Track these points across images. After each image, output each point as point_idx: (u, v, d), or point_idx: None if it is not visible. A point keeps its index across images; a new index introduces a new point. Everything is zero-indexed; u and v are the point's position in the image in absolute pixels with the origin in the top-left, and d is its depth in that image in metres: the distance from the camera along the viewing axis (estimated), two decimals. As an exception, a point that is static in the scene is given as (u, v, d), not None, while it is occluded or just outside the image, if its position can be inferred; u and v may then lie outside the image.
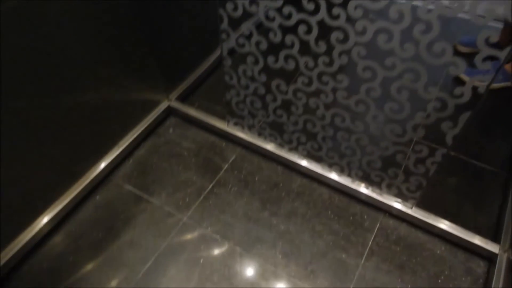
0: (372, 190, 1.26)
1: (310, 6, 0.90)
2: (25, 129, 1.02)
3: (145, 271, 1.13)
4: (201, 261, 1.16)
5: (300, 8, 0.92)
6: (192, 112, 1.50)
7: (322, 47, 0.96)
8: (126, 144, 1.39)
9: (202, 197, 1.30)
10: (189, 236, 1.21)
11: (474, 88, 0.85)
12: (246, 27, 1.06)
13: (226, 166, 1.39)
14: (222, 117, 1.45)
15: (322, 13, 0.90)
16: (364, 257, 1.17)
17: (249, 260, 1.16)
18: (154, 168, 1.39)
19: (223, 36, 1.11)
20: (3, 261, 1.09)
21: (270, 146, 1.38)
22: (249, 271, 1.15)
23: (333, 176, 1.30)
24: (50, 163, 1.15)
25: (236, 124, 1.41)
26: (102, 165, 1.32)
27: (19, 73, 0.93)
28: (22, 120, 1.00)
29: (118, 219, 1.25)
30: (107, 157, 1.34)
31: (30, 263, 1.15)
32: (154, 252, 1.17)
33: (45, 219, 1.18)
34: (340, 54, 0.95)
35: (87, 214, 1.26)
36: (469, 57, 0.82)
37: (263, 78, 1.15)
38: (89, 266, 1.14)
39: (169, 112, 1.55)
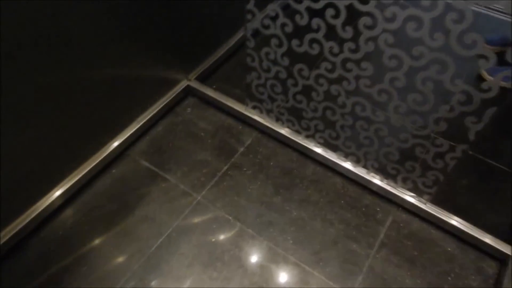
0: (387, 183, 1.25)
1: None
2: (43, 101, 1.03)
3: (157, 246, 1.15)
4: (213, 240, 1.17)
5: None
6: (211, 93, 1.50)
7: (349, 32, 0.95)
8: (144, 120, 1.40)
9: (216, 178, 1.31)
10: (202, 215, 1.22)
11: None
12: (272, 8, 1.05)
13: (242, 149, 1.39)
14: (240, 100, 1.45)
15: (352, -2, 0.88)
16: (374, 249, 1.17)
17: (260, 243, 1.17)
18: (170, 146, 1.40)
19: (248, 16, 1.10)
20: (17, 229, 1.12)
21: (287, 132, 1.37)
22: (259, 254, 1.15)
23: (348, 166, 1.29)
24: (68, 136, 1.16)
25: (254, 107, 1.41)
26: (120, 140, 1.34)
27: (37, 46, 0.94)
28: (40, 92, 1.01)
29: (133, 193, 1.26)
30: (124, 133, 1.35)
31: (46, 231, 1.17)
32: (167, 228, 1.19)
33: (60, 190, 1.21)
34: (366, 41, 0.93)
35: (103, 187, 1.28)
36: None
37: (286, 62, 1.15)
38: (103, 237, 1.17)
39: (188, 91, 1.55)
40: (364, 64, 1.00)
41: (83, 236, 1.16)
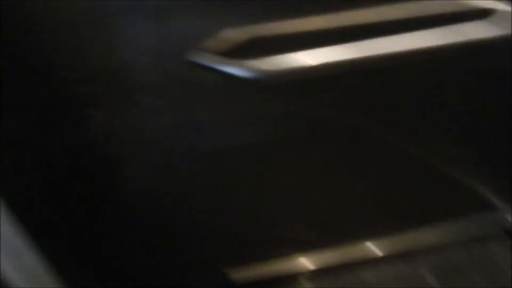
0: None
1: None
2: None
3: None
4: None
5: None
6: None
7: None
8: (446, 232, 1.22)
9: None
10: None
11: None
12: None
13: None
14: None
15: None
16: None
17: None
18: (462, 276, 1.16)
19: None
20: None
21: None
22: None
23: None
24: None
25: None
26: (413, 238, 1.20)
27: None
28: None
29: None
30: (419, 233, 1.20)
31: None
32: None
33: (317, 261, 1.16)
34: None
35: (362, 277, 1.17)
36: None
37: None
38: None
39: (508, 230, 1.28)
40: None
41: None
